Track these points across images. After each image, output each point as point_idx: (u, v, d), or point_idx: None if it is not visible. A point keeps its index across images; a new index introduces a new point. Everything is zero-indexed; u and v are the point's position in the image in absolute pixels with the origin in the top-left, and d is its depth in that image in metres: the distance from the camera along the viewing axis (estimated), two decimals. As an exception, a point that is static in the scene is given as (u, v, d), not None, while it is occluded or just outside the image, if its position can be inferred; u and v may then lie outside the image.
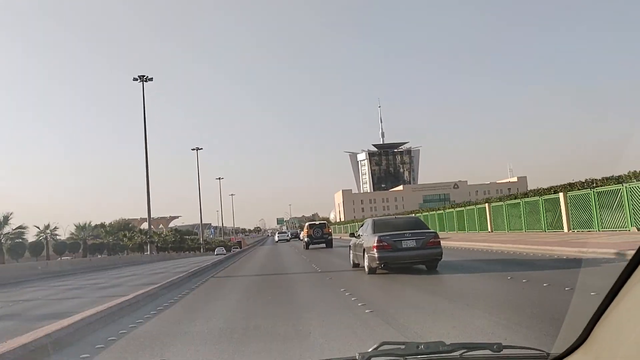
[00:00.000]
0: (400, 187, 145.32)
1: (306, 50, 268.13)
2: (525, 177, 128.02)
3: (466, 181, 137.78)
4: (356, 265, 13.43)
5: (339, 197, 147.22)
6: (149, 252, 48.56)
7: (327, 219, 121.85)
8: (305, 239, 31.22)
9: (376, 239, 11.23)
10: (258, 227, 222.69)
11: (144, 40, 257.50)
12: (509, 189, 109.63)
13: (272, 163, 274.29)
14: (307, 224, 34.15)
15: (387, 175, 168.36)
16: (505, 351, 1.34)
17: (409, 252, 11.18)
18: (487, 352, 1.35)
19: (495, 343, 1.34)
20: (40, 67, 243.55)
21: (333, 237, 33.37)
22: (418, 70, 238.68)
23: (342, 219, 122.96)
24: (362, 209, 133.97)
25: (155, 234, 59.68)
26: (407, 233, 11.42)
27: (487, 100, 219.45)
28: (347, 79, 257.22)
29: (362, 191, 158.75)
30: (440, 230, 33.51)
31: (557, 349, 1.28)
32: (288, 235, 65.13)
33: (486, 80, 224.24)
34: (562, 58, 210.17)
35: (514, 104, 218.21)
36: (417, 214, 40.10)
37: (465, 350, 1.35)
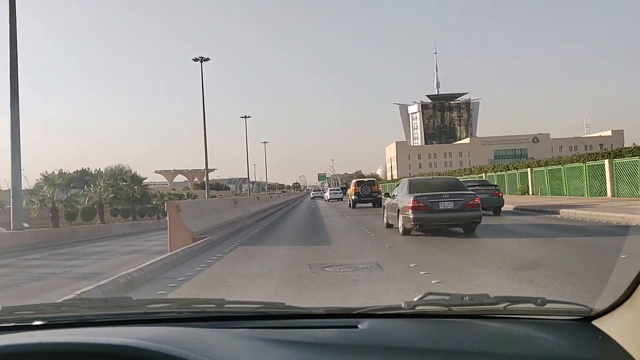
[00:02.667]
0: (467, 140, 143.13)
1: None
2: (622, 130, 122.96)
3: (548, 134, 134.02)
4: (390, 226, 14.99)
5: (391, 151, 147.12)
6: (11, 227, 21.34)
7: (377, 176, 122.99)
8: (352, 197, 32.61)
9: (412, 199, 12.60)
10: (297, 183, 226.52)
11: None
12: (601, 144, 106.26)
13: (313, 115, 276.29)
14: (353, 180, 35.40)
15: (441, 131, 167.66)
16: (548, 305, 1.52)
17: (446, 214, 12.53)
18: (531, 305, 1.53)
19: (539, 297, 1.53)
20: None
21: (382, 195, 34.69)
22: (480, 12, 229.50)
23: (395, 176, 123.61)
24: (420, 164, 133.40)
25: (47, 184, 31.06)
26: (445, 194, 12.74)
27: (559, 47, 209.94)
28: (399, 20, 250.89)
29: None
30: (548, 194, 30.93)
31: (601, 304, 1.46)
32: (321, 193, 68.37)
33: (557, 25, 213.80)
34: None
35: (590, 52, 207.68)
36: (502, 172, 39.06)
37: (508, 303, 1.54)
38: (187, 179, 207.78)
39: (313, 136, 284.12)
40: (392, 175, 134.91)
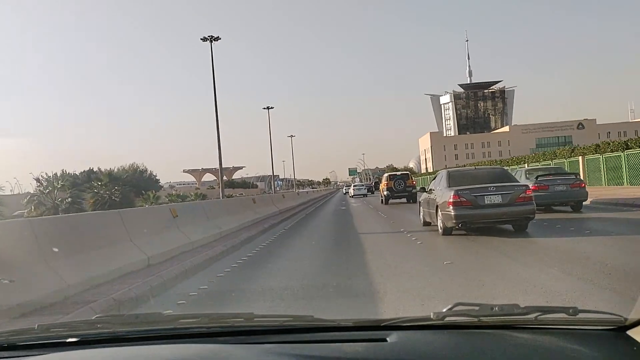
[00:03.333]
0: (506, 129, 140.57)
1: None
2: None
3: (594, 120, 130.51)
4: (427, 224, 13.79)
5: (425, 142, 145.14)
6: None
7: (410, 169, 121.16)
8: (384, 193, 31.29)
9: (452, 193, 11.26)
10: (327, 179, 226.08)
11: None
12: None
13: (343, 109, 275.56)
14: (385, 174, 34.05)
15: (475, 121, 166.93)
16: (581, 315, 1.51)
17: (494, 210, 11.14)
18: (563, 315, 1.53)
19: (571, 307, 1.53)
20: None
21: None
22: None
23: (429, 169, 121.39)
24: (456, 155, 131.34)
25: None
26: (491, 187, 11.36)
27: (596, 31, 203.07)
28: (429, 9, 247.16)
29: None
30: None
31: (636, 314, 1.45)
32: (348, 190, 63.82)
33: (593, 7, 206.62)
34: None
35: (631, 34, 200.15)
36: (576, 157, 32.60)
37: (540, 313, 1.54)
38: (215, 178, 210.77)
39: (343, 131, 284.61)
40: (426, 168, 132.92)
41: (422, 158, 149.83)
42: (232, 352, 1.41)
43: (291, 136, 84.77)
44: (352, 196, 51.54)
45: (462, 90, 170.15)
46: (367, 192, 57.78)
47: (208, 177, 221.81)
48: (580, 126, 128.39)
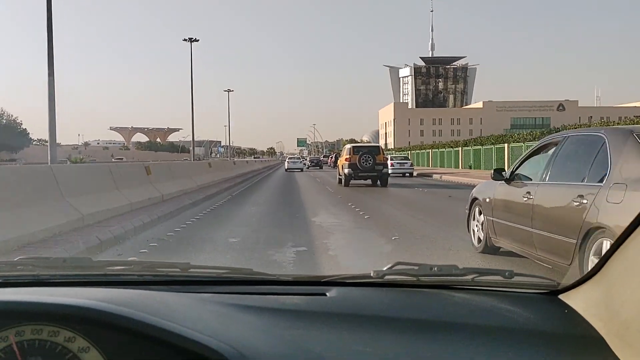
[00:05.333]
0: (480, 104, 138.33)
1: None
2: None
3: (576, 101, 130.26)
4: (492, 249, 6.92)
5: (386, 114, 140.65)
6: None
7: (368, 142, 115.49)
8: (345, 170, 25.46)
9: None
10: (272, 149, 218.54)
11: None
12: (637, 116, 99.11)
13: (294, 77, 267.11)
14: (348, 146, 26.81)
15: (431, 99, 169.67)
16: (516, 278, 1.62)
17: None
18: (499, 278, 1.64)
19: (507, 270, 1.62)
20: None
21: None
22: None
23: (390, 144, 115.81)
24: (422, 131, 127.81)
25: None
26: None
27: (570, 11, 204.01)
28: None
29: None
30: None
31: (568, 279, 1.54)
32: (301, 163, 61.07)
33: None
34: None
35: (603, 19, 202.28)
36: None
37: (476, 275, 1.63)
38: (148, 138, 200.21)
39: (294, 99, 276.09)
40: (386, 144, 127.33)
41: (382, 132, 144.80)
42: (167, 298, 1.41)
43: (228, 90, 74.55)
44: (287, 169, 52.87)
45: (423, 64, 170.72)
46: (315, 166, 63.90)
47: (140, 137, 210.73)
48: (561, 107, 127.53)
